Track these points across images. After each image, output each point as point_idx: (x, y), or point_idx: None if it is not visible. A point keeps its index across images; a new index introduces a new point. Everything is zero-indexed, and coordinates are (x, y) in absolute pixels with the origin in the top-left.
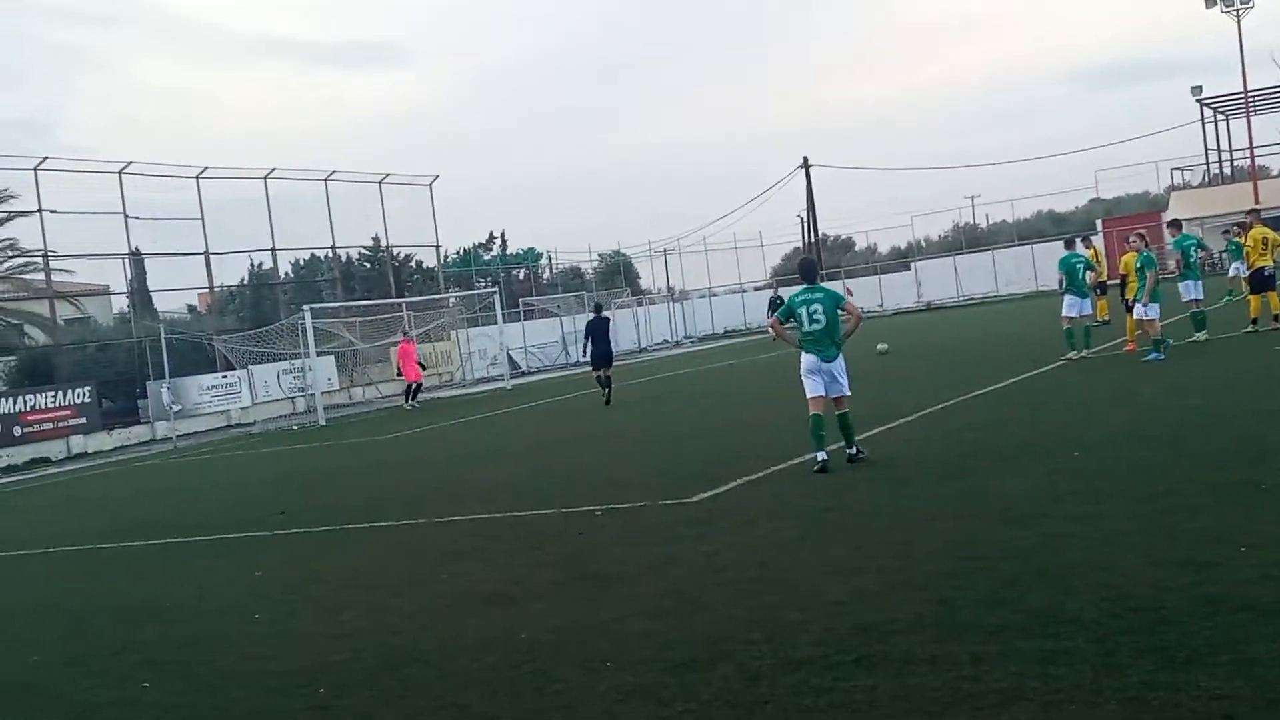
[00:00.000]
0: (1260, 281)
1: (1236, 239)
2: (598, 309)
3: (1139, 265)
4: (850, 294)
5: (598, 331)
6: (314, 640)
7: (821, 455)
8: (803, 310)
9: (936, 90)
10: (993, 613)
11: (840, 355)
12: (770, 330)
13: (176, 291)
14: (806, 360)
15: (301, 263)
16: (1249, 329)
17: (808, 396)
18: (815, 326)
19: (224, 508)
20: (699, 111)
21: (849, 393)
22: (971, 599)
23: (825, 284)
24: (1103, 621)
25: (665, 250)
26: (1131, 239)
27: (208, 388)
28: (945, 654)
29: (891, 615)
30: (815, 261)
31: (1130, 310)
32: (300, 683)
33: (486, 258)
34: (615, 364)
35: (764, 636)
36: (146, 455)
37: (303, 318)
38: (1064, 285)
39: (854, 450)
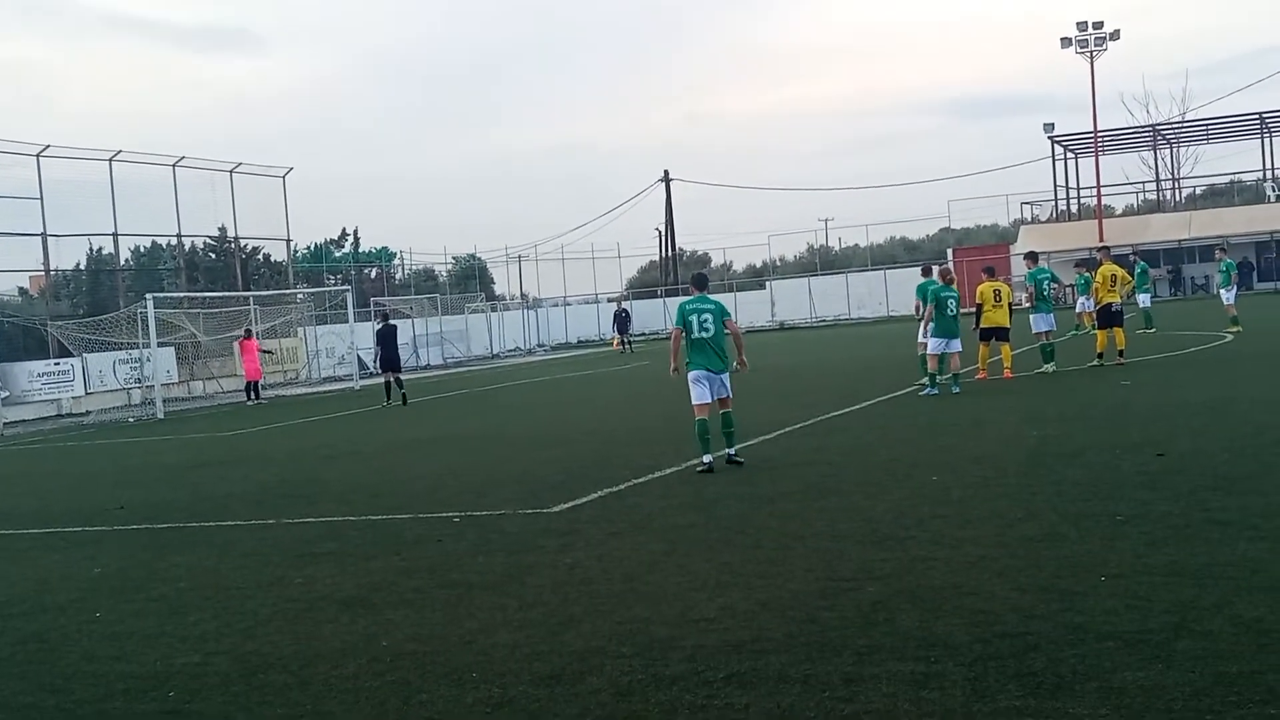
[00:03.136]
0: (1108, 317)
1: (1086, 274)
2: (384, 318)
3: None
4: None
5: (387, 339)
6: (162, 642)
7: (707, 458)
8: (693, 318)
9: (799, 112)
10: (863, 634)
11: (727, 371)
12: (672, 342)
13: (8, 273)
14: (694, 370)
15: (144, 250)
16: (1094, 363)
17: (694, 403)
18: (704, 334)
19: (59, 499)
20: (562, 118)
21: (731, 394)
22: (841, 619)
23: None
24: (972, 646)
25: (521, 256)
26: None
27: (39, 375)
28: (818, 674)
29: (762, 633)
30: (707, 274)
31: (982, 339)
32: (149, 686)
33: (338, 255)
34: (468, 369)
35: (634, 651)
36: None
37: (144, 307)
38: (920, 311)
39: (733, 452)
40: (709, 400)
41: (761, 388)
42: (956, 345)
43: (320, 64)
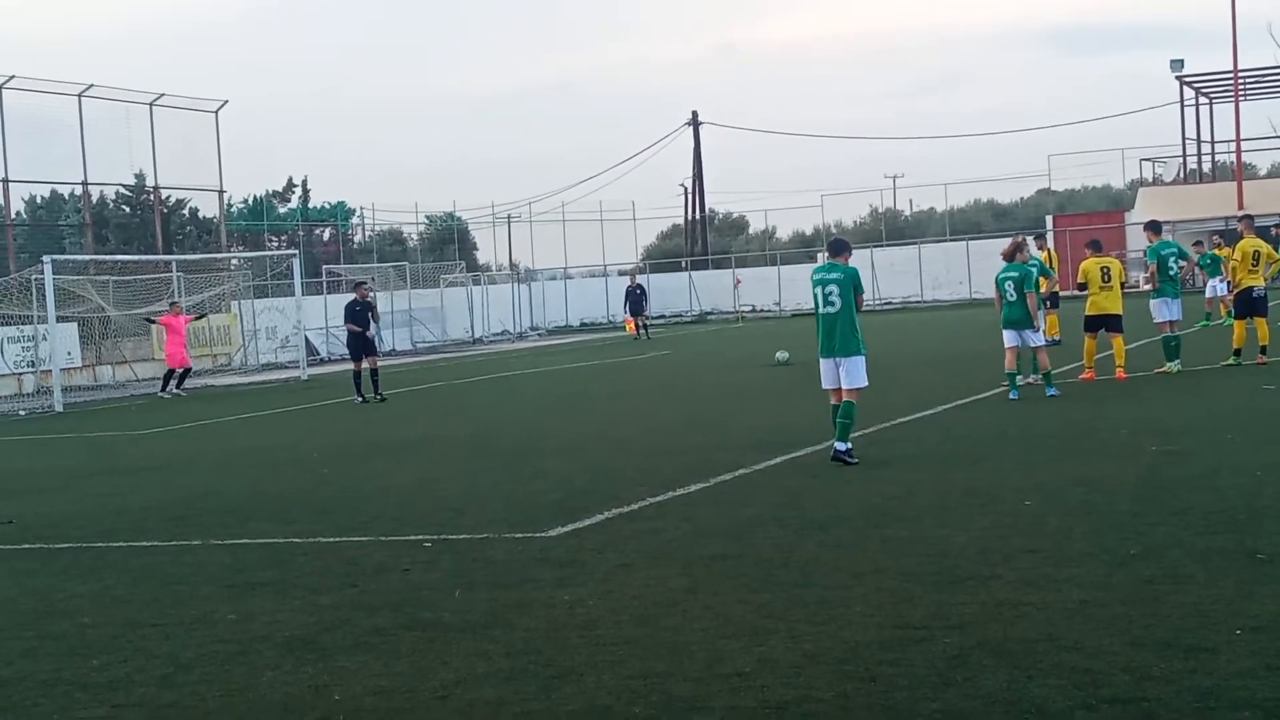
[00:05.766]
0: (1248, 304)
1: (1215, 250)
2: (356, 287)
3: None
4: (739, 284)
5: (361, 318)
6: (59, 690)
7: (840, 445)
8: (818, 290)
9: (860, 43)
10: (937, 696)
11: (860, 355)
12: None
13: None
14: (820, 352)
15: (40, 200)
16: (1230, 361)
17: (823, 386)
18: (829, 309)
19: None
20: (562, 46)
21: (863, 385)
22: (909, 677)
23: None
24: (1073, 713)
25: (511, 217)
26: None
27: None
28: None
29: (809, 693)
30: (847, 240)
31: (1088, 330)
32: None
33: (283, 211)
34: (443, 356)
35: (648, 713)
36: None
37: (39, 272)
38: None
39: (844, 448)
40: (835, 385)
41: (810, 388)
42: (1034, 338)
43: None
